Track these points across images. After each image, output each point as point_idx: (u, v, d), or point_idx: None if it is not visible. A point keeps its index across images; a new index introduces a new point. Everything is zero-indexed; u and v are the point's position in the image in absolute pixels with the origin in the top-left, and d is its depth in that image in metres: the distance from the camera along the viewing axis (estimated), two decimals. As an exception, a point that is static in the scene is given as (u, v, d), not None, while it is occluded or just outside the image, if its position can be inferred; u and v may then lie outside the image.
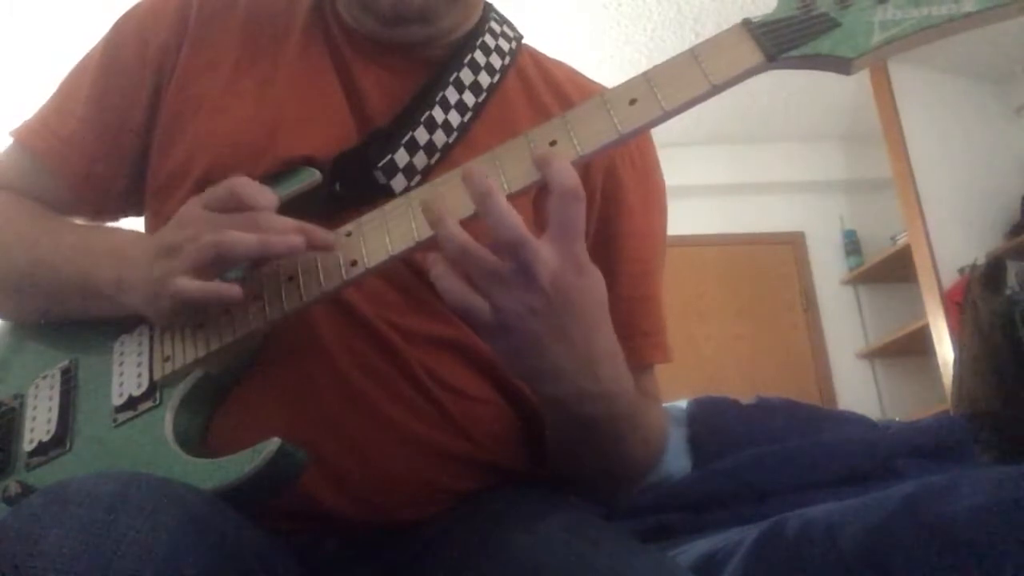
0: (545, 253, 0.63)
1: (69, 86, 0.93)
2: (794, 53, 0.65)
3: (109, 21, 0.94)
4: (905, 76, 3.95)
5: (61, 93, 0.94)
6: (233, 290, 0.71)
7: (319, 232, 0.72)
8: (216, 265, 0.71)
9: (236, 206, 0.72)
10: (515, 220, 0.62)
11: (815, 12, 0.65)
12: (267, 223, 0.70)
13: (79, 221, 0.93)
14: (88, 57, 0.93)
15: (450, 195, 0.69)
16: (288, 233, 0.70)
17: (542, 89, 0.92)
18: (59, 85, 0.94)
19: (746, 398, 1.95)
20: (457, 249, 0.64)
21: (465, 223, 0.66)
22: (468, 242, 0.64)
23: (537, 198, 0.64)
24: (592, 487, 0.89)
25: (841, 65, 0.65)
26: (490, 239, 0.64)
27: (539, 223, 0.65)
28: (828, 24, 0.65)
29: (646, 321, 0.90)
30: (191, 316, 0.75)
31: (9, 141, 0.94)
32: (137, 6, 0.94)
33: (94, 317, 0.83)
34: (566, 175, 0.64)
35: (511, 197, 0.67)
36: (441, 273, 0.65)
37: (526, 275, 0.63)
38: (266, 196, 0.73)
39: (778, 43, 0.65)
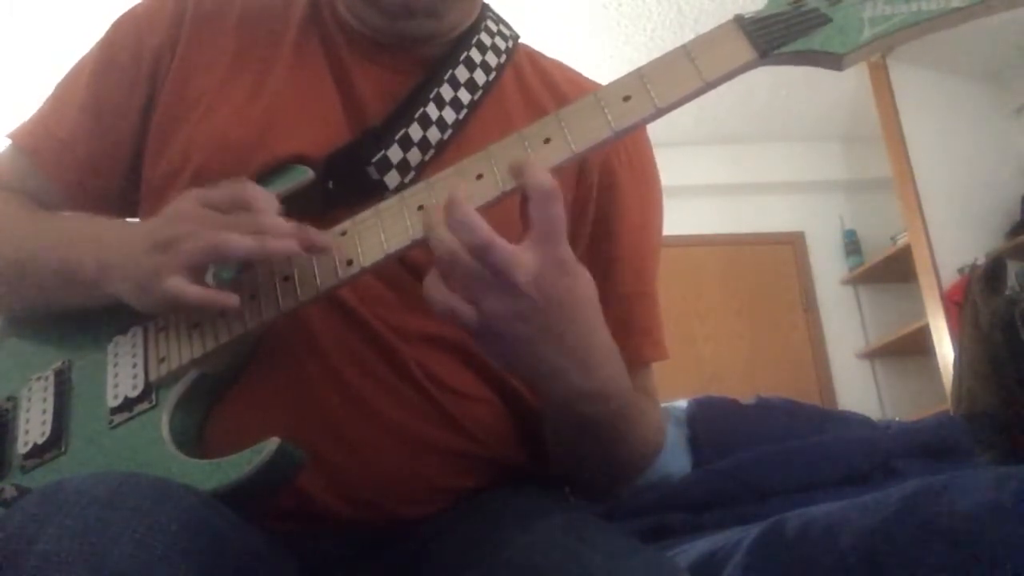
0: (524, 256, 0.63)
1: (65, 88, 0.93)
2: (786, 49, 0.66)
3: (108, 22, 0.94)
4: (905, 76, 3.95)
5: (58, 95, 0.94)
6: (231, 299, 0.71)
7: (317, 234, 0.72)
8: (211, 264, 0.71)
9: (238, 208, 0.71)
10: (478, 224, 0.62)
11: (806, 8, 0.66)
12: (266, 225, 0.70)
13: None
14: (85, 59, 0.93)
15: (446, 194, 0.68)
16: (285, 236, 0.70)
17: (538, 87, 0.92)
18: (56, 87, 0.94)
19: (746, 398, 1.95)
20: (446, 253, 0.64)
21: None
22: (455, 248, 0.64)
23: (521, 207, 0.65)
24: (590, 484, 0.89)
25: (832, 61, 0.65)
26: (509, 228, 0.64)
27: (527, 225, 0.65)
28: (819, 20, 0.65)
29: (643, 318, 0.90)
30: (179, 312, 0.75)
31: (7, 143, 0.94)
32: (134, 7, 0.94)
33: (78, 307, 0.83)
34: (541, 178, 0.64)
35: (506, 196, 0.67)
36: (429, 282, 0.65)
37: (503, 279, 0.63)
38: (268, 199, 0.72)
39: (770, 39, 0.66)
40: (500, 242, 0.63)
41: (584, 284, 0.68)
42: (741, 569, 1.09)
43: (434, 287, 0.65)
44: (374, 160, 0.80)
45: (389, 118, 0.83)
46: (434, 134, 0.82)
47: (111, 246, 0.77)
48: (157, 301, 0.72)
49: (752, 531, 1.14)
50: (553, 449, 0.83)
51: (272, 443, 0.68)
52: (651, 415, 0.86)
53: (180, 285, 0.69)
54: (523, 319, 0.65)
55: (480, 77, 0.87)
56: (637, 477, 0.89)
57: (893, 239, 4.23)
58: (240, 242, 0.69)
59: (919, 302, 3.77)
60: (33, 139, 0.92)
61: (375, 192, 0.78)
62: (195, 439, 0.76)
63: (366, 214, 0.73)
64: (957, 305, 3.17)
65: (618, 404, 0.74)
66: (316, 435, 0.75)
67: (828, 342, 4.50)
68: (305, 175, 0.79)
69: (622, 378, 0.74)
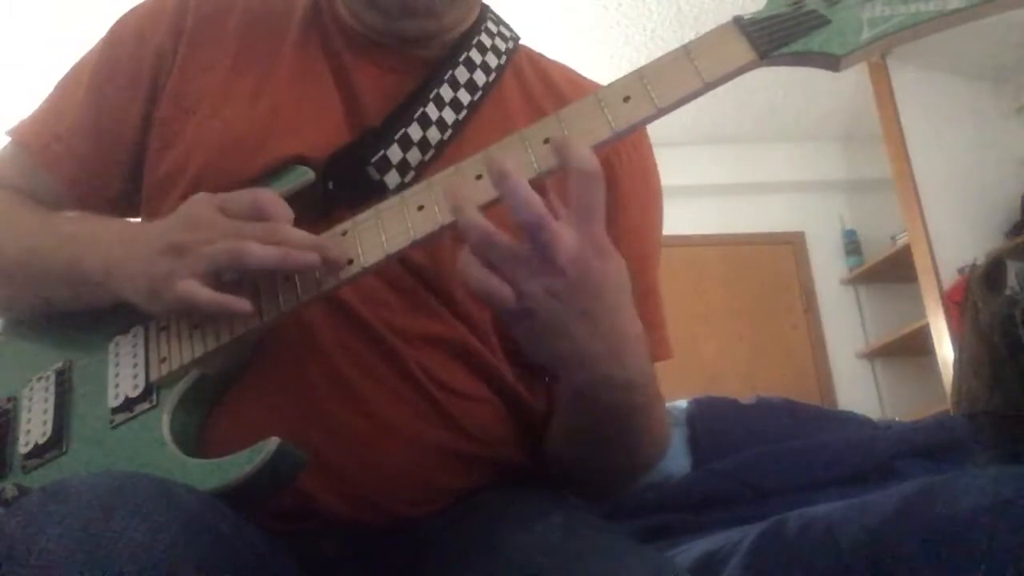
0: (565, 235, 0.63)
1: (66, 86, 0.94)
2: (785, 50, 0.66)
3: (108, 22, 0.94)
4: (905, 76, 3.95)
5: (58, 93, 0.94)
6: (243, 304, 0.71)
7: (334, 249, 0.72)
8: (228, 271, 0.71)
9: (255, 217, 0.72)
10: (535, 201, 0.62)
11: (805, 9, 0.66)
12: (286, 236, 0.71)
13: None
14: (85, 58, 0.94)
15: (447, 195, 0.69)
16: (306, 249, 0.70)
17: (538, 88, 0.92)
18: (56, 85, 0.94)
19: (746, 398, 1.95)
20: (479, 235, 0.64)
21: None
22: (489, 227, 0.64)
23: (558, 183, 0.64)
24: (591, 483, 0.89)
25: (831, 62, 0.66)
26: (507, 227, 0.64)
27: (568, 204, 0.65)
28: (818, 21, 0.66)
29: (647, 317, 0.90)
30: (187, 315, 0.75)
31: (6, 140, 0.94)
32: (135, 8, 0.94)
33: (83, 307, 0.83)
34: (585, 157, 0.64)
35: None
36: (466, 260, 0.65)
37: (546, 257, 0.63)
38: (284, 209, 0.73)
39: (769, 40, 0.66)
40: (551, 219, 0.62)
41: (618, 268, 0.67)
42: (741, 569, 1.09)
43: (471, 265, 0.64)
44: (374, 160, 0.80)
45: (389, 118, 0.83)
46: (434, 134, 0.82)
47: (119, 247, 0.77)
48: (167, 304, 0.72)
49: (752, 531, 1.14)
50: (557, 445, 0.83)
51: (272, 443, 0.68)
52: (663, 414, 0.86)
53: (193, 288, 0.70)
54: (557, 298, 0.64)
55: (480, 78, 0.87)
56: (639, 478, 0.89)
57: (893, 239, 4.23)
58: (263, 252, 0.69)
59: (919, 302, 3.77)
60: (33, 136, 0.92)
61: (375, 192, 0.78)
62: (196, 439, 0.76)
63: (366, 214, 0.73)
64: (957, 305, 3.16)
65: (641, 395, 0.74)
66: (316, 435, 0.75)
67: (828, 342, 4.49)
68: (306, 175, 0.79)
69: (648, 369, 0.74)
